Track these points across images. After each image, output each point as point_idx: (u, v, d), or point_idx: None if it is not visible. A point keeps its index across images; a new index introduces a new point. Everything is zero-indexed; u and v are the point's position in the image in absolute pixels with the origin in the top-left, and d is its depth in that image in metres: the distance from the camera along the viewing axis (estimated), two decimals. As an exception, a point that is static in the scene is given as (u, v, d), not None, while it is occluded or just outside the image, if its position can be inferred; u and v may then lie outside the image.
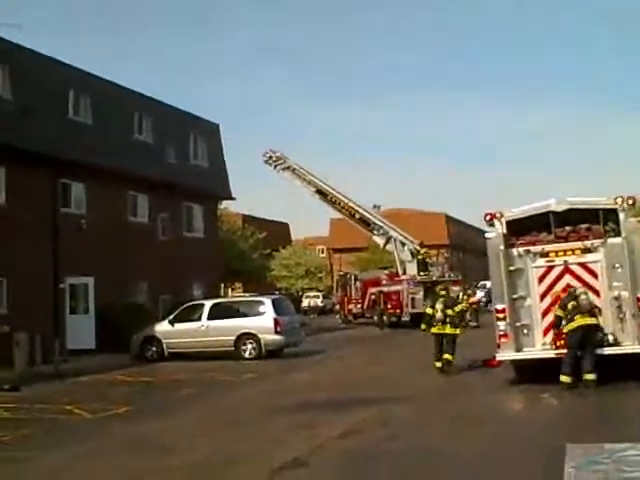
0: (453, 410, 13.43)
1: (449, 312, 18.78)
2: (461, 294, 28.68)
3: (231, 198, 41.25)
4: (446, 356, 18.66)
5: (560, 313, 14.85)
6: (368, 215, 42.94)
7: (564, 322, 14.74)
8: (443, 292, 19.65)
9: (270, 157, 42.71)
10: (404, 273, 40.35)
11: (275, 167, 42.80)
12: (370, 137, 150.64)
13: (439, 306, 18.91)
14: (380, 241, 42.57)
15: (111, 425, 13.33)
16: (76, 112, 29.22)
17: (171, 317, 25.87)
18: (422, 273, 39.84)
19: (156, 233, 33.24)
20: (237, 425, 12.84)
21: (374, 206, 64.71)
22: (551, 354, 14.92)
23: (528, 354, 15.34)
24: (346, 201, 42.26)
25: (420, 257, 40.44)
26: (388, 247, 42.38)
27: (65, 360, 23.09)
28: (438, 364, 18.66)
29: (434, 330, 18.93)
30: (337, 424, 12.32)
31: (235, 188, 42.87)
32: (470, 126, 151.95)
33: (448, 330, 18.76)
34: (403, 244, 41.20)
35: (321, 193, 42.34)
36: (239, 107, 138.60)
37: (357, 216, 42.56)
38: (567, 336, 14.67)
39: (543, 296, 15.43)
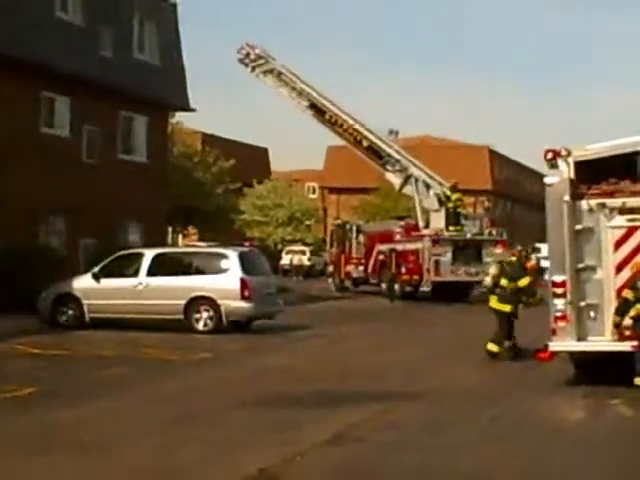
0: (487, 415, 13.56)
1: (502, 282, 19.35)
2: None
3: (189, 109, 41.08)
4: (489, 346, 19.21)
5: (629, 295, 15.04)
6: (380, 143, 42.81)
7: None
8: (513, 257, 20.58)
9: (247, 54, 42.35)
10: (427, 226, 40.44)
11: (253, 69, 42.52)
12: (380, 38, 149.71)
13: (493, 271, 19.76)
14: (396, 180, 42.54)
15: (8, 412, 13.37)
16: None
17: (96, 269, 25.92)
18: (452, 227, 39.87)
19: (80, 152, 33.12)
20: (182, 422, 12.89)
21: (390, 132, 64.77)
22: (627, 346, 15.02)
23: (594, 345, 15.46)
24: (351, 122, 42.11)
25: (451, 205, 40.32)
26: (406, 189, 42.40)
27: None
28: (493, 348, 19.15)
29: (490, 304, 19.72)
30: (324, 425, 12.43)
31: (195, 96, 42.72)
32: (527, 26, 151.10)
33: (494, 304, 19.48)
34: (428, 186, 41.20)
35: (316, 109, 42.17)
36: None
37: (365, 144, 42.45)
38: (634, 323, 14.90)
39: (620, 267, 15.52)
